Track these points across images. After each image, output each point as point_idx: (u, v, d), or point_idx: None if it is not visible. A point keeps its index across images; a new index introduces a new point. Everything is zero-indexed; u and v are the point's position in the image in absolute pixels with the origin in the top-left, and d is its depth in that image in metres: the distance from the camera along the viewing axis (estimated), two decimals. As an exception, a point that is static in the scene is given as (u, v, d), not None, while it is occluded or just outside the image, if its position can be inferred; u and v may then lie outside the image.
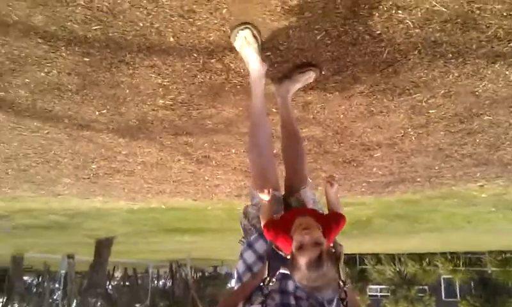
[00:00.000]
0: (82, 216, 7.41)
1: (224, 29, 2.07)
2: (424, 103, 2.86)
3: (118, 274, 23.16)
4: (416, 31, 2.04)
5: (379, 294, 23.40)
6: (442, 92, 2.69)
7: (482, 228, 9.71)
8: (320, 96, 2.79)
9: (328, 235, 1.66)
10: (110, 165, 4.31)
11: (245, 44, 2.05)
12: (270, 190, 1.75)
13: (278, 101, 2.55)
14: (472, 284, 21.38)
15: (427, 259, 20.20)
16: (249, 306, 1.71)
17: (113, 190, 5.45)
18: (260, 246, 1.90)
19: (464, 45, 2.15)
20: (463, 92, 2.67)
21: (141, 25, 2.03)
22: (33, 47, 2.20)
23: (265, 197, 1.76)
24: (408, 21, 1.98)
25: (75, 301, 13.66)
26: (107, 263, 10.76)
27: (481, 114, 3.01)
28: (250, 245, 1.93)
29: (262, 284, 1.69)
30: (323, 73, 2.46)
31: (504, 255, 18.67)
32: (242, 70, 2.45)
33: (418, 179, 4.98)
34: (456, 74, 2.45)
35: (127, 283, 21.73)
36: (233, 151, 3.90)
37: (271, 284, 1.69)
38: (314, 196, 2.17)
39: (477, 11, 1.90)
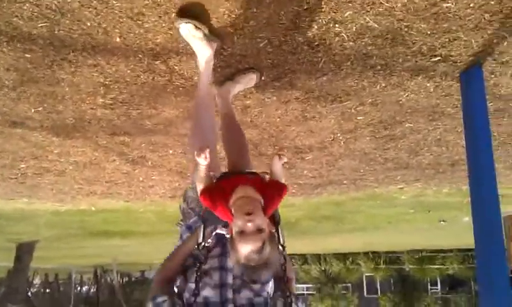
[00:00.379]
0: (3, 218, 7.00)
1: (172, 32, 2.14)
2: (353, 110, 3.09)
3: (37, 281, 21.90)
4: (350, 43, 2.23)
5: (305, 292, 24.09)
6: (370, 100, 2.93)
7: (401, 228, 10.37)
8: (259, 101, 2.92)
9: (270, 206, 1.63)
10: (40, 165, 4.16)
11: (189, 35, 2.08)
12: (207, 152, 1.60)
13: (218, 102, 2.53)
14: (392, 281, 22.70)
15: (350, 259, 21.14)
16: (185, 283, 1.71)
17: (40, 191, 5.23)
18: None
19: (392, 58, 2.38)
20: (388, 101, 2.93)
21: (89, 24, 2.04)
22: (-31, 41, 2.13)
23: (202, 161, 1.61)
24: (343, 34, 2.16)
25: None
26: (29, 268, 10.18)
27: (403, 121, 3.30)
28: (189, 228, 1.93)
29: (197, 248, 1.69)
30: (263, 78, 2.59)
31: (420, 253, 20.04)
32: (185, 73, 2.52)
33: (345, 181, 5.28)
34: (383, 84, 2.68)
35: (47, 290, 20.60)
36: (171, 152, 3.93)
37: (207, 244, 1.69)
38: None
39: (405, 29, 2.12)
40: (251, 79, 2.53)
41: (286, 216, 7.86)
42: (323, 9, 2.00)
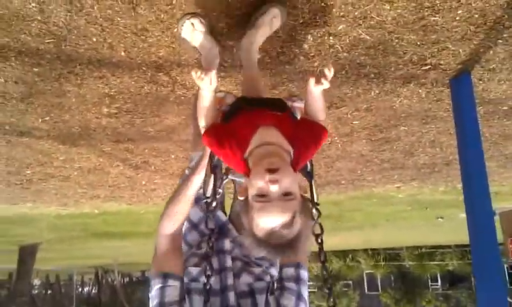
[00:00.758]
0: (7, 222, 7.10)
1: (174, 46, 2.24)
2: (348, 115, 3.20)
3: (36, 282, 22.00)
4: (345, 54, 2.34)
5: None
6: (365, 106, 3.04)
7: (399, 225, 10.47)
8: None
9: (302, 158, 1.24)
10: (45, 171, 4.26)
11: (194, 32, 2.01)
12: (214, 74, 1.19)
13: (242, 60, 2.07)
14: (392, 278, 22.86)
15: (350, 256, 21.28)
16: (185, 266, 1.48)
17: (45, 196, 5.34)
18: (195, 213, 1.70)
19: (385, 67, 2.49)
20: (383, 106, 3.04)
21: (95, 40, 2.15)
22: (-19, 56, 2.23)
23: (206, 84, 1.17)
24: (337, 46, 2.27)
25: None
26: (32, 270, 10.29)
27: (398, 125, 3.41)
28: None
29: (206, 208, 1.38)
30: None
31: (419, 250, 20.20)
32: (187, 83, 2.62)
33: (343, 181, 5.38)
34: (377, 91, 2.79)
35: (49, 291, 20.72)
36: (173, 157, 4.04)
37: (213, 205, 1.38)
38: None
39: (396, 40, 2.23)
40: (274, 17, 1.95)
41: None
42: (318, 23, 2.11)
